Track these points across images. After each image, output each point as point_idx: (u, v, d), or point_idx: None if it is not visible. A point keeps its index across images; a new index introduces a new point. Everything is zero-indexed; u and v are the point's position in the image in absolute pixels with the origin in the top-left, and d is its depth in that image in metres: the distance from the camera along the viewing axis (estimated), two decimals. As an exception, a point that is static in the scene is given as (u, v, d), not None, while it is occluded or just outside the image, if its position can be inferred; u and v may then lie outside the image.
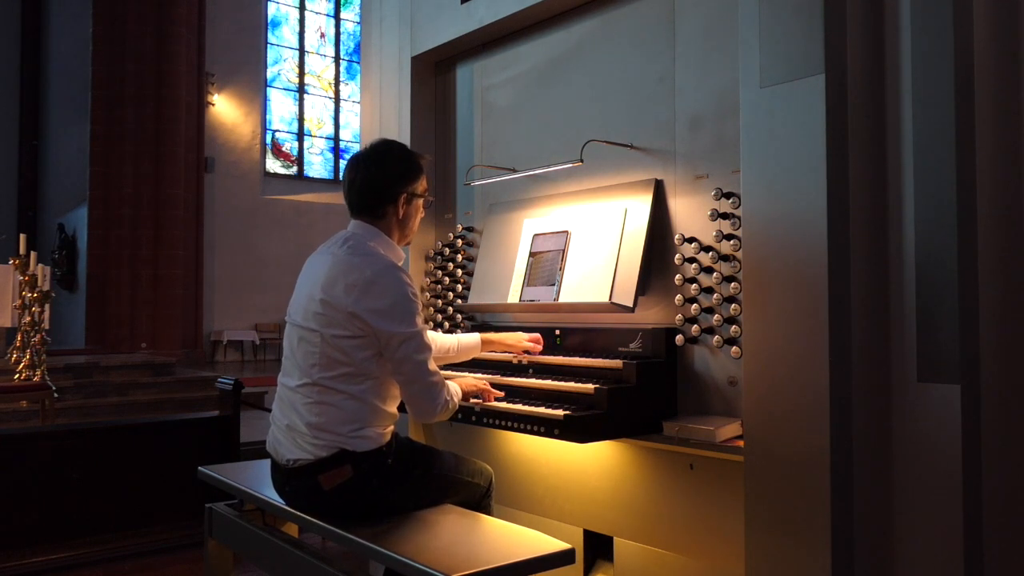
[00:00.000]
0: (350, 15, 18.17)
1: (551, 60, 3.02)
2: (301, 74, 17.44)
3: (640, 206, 2.57)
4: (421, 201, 2.47)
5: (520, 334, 2.86)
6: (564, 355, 2.70)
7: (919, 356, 1.88)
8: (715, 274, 2.32)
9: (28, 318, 6.59)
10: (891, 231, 1.95)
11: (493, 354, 2.91)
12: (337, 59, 18.05)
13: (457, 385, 2.42)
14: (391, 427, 2.32)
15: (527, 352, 2.82)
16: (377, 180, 2.37)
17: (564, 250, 2.77)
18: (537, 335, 2.85)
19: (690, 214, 2.48)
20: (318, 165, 17.65)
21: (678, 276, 2.42)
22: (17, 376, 6.52)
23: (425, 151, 3.49)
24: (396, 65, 3.58)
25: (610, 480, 2.62)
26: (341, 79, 18.06)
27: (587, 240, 2.70)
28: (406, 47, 3.53)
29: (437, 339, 2.74)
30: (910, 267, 1.91)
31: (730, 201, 2.32)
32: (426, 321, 3.46)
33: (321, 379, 2.21)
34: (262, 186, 16.40)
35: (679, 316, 2.41)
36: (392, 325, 2.17)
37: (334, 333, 2.20)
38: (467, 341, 2.85)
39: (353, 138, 17.84)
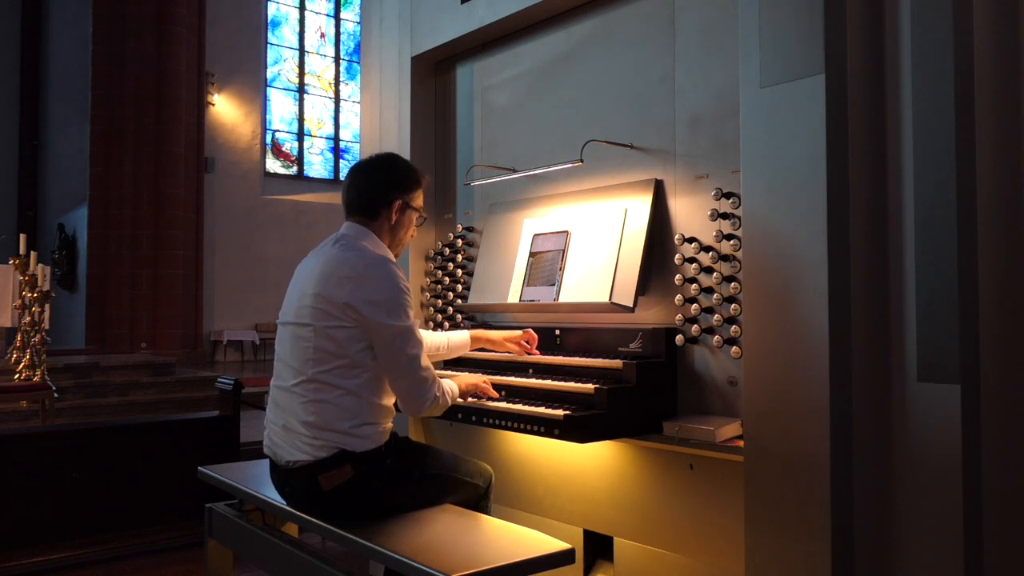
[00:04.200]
0: (350, 15, 18.17)
1: (551, 60, 3.02)
2: (301, 74, 17.44)
3: (640, 206, 2.57)
4: (415, 215, 2.50)
5: (508, 332, 2.85)
6: (564, 355, 2.70)
7: (919, 356, 1.88)
8: (715, 274, 2.32)
9: (28, 318, 6.59)
10: (891, 231, 1.95)
11: (494, 353, 2.90)
12: (337, 59, 18.05)
13: (454, 383, 2.43)
14: (389, 424, 2.32)
15: (527, 352, 2.81)
16: (376, 183, 2.42)
17: (564, 250, 2.77)
18: (531, 331, 2.83)
19: (690, 214, 2.48)
20: (318, 165, 17.65)
21: (678, 276, 2.42)
22: (17, 376, 6.53)
23: (425, 151, 3.51)
24: (396, 65, 3.58)
25: (610, 480, 2.62)
26: (341, 79, 18.05)
27: (587, 240, 2.70)
28: (406, 47, 3.53)
29: (427, 338, 2.74)
30: (910, 267, 1.91)
31: (730, 201, 2.32)
32: (426, 321, 3.46)
33: (316, 374, 2.21)
34: (262, 186, 16.39)
35: (679, 316, 2.41)
36: (385, 317, 2.19)
37: (327, 324, 2.21)
38: (456, 339, 2.86)
39: (353, 138, 17.83)
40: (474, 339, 2.88)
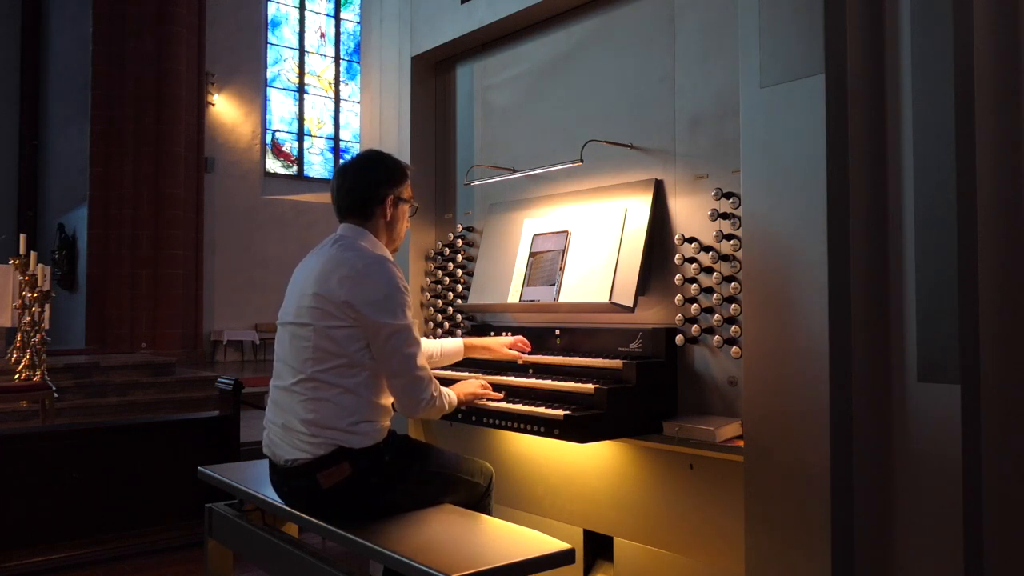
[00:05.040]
0: (350, 15, 18.16)
1: (551, 60, 3.02)
2: (301, 74, 17.43)
3: (640, 206, 2.57)
4: (407, 207, 2.53)
5: (502, 338, 2.87)
6: (564, 355, 2.70)
7: (919, 356, 1.88)
8: (715, 274, 2.32)
9: (28, 318, 6.59)
10: (891, 231, 1.95)
11: (492, 354, 2.90)
12: (337, 59, 18.04)
13: (453, 393, 2.43)
14: (387, 422, 2.32)
15: (520, 354, 2.82)
16: (365, 183, 2.44)
17: (564, 250, 2.77)
18: (522, 337, 2.86)
19: (690, 214, 2.48)
20: (318, 165, 17.64)
21: (678, 276, 2.42)
22: (17, 376, 6.52)
23: (425, 151, 3.51)
24: (396, 65, 3.58)
25: (610, 480, 2.62)
26: (341, 79, 18.05)
27: (587, 240, 2.70)
28: (406, 47, 3.53)
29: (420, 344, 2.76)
30: (910, 267, 1.91)
31: (730, 201, 2.32)
32: (426, 321, 3.46)
33: (315, 373, 2.22)
34: (262, 186, 16.38)
35: (679, 316, 2.41)
36: (384, 316, 2.20)
37: (327, 324, 2.22)
38: (450, 347, 2.87)
39: (353, 138, 17.83)
40: (468, 347, 2.88)
